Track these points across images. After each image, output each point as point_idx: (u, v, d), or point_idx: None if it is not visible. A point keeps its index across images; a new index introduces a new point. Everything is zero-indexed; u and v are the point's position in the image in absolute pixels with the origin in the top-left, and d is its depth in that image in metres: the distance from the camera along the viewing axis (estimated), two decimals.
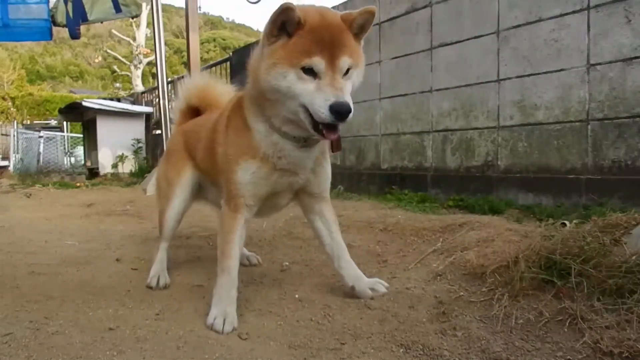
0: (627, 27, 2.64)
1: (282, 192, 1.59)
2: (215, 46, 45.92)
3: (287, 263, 2.16)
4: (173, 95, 8.43)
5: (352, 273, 1.70)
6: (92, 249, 2.51)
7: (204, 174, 1.90)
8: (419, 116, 3.89)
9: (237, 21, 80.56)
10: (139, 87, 16.89)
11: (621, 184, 2.67)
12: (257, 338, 1.37)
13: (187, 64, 6.18)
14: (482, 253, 1.80)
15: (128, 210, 3.98)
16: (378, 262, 2.07)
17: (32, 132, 12.25)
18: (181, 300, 1.69)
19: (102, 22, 6.92)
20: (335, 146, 1.45)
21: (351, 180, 4.51)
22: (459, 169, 3.59)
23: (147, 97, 11.32)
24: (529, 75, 3.11)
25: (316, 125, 1.29)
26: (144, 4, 7.38)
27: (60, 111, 9.36)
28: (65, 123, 13.25)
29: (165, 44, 6.75)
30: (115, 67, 23.06)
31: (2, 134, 12.84)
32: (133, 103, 10.63)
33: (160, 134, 5.98)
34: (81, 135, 10.56)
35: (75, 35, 6.17)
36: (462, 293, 1.59)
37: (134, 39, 17.76)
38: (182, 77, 8.13)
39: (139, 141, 7.77)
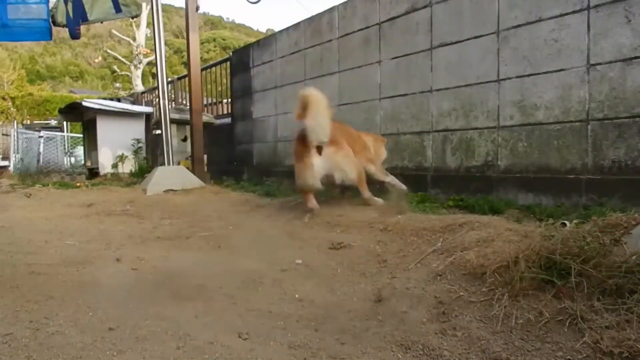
0: (627, 27, 2.64)
1: None
2: (215, 46, 45.92)
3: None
4: (173, 95, 8.44)
5: None
6: (92, 249, 2.51)
7: None
8: (419, 116, 3.89)
9: (237, 21, 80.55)
10: (139, 87, 16.88)
11: (621, 184, 2.67)
12: (257, 338, 1.37)
13: (187, 64, 6.18)
14: (482, 253, 1.80)
15: (128, 210, 3.98)
16: (378, 262, 2.07)
17: (32, 132, 12.25)
18: (181, 300, 1.69)
19: (102, 22, 6.92)
20: None
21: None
22: (459, 169, 3.59)
23: (147, 97, 11.33)
24: (529, 75, 3.11)
25: None
26: (144, 4, 7.39)
27: (60, 111, 9.34)
28: (65, 123, 13.23)
29: (165, 44, 6.75)
30: (115, 67, 23.05)
31: (3, 134, 12.84)
32: (133, 103, 10.63)
33: (160, 134, 5.98)
34: (81, 135, 10.55)
35: (75, 35, 6.17)
36: (462, 293, 1.59)
37: (134, 39, 17.74)
38: (182, 77, 8.10)
39: (139, 141, 7.75)
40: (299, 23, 5.39)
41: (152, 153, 7.88)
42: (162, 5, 5.94)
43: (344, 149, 3.16)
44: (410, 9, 3.93)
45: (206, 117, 6.61)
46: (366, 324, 1.47)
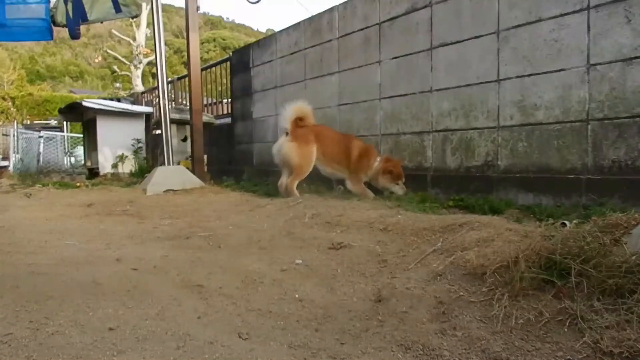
0: (627, 27, 2.64)
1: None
2: (215, 46, 45.92)
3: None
4: (173, 95, 8.44)
5: None
6: (92, 249, 2.51)
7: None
8: (419, 116, 3.89)
9: (237, 21, 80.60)
10: (139, 87, 16.89)
11: (621, 184, 2.67)
12: (257, 338, 1.37)
13: (187, 64, 6.18)
14: (482, 253, 1.80)
15: (128, 210, 3.98)
16: (378, 262, 2.07)
17: (32, 132, 12.25)
18: (181, 300, 1.69)
19: (102, 22, 6.92)
20: None
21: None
22: (459, 169, 3.59)
23: (147, 97, 11.33)
24: (529, 75, 3.11)
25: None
26: (144, 4, 7.38)
27: (60, 111, 9.34)
28: (65, 123, 13.24)
29: (165, 44, 6.75)
30: (115, 67, 23.06)
31: (3, 134, 12.84)
32: (133, 103, 10.63)
33: (160, 134, 5.98)
34: (81, 135, 10.55)
35: (75, 35, 6.17)
36: (462, 293, 1.59)
37: (134, 39, 17.75)
38: (182, 77, 8.10)
39: (139, 141, 7.75)
40: (299, 23, 5.39)
41: (152, 153, 7.87)
42: (162, 5, 5.94)
43: (301, 145, 3.98)
44: (410, 9, 3.93)
45: (206, 117, 6.61)
46: (366, 324, 1.47)
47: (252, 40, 9.76)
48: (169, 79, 8.51)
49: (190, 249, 2.50)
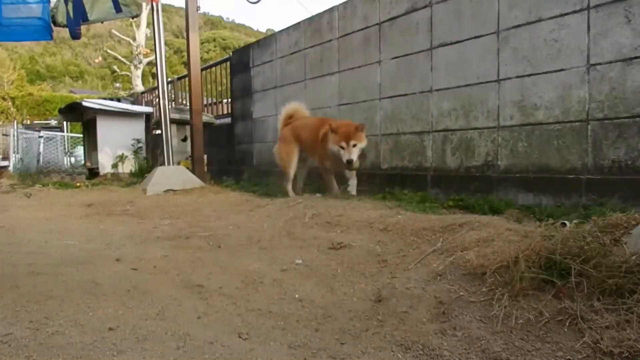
0: (627, 27, 2.64)
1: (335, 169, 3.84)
2: (215, 46, 45.92)
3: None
4: (173, 95, 8.44)
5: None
6: (92, 249, 2.51)
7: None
8: (419, 116, 3.89)
9: (237, 21, 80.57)
10: (139, 87, 16.88)
11: (621, 184, 2.67)
12: (257, 338, 1.37)
13: (187, 64, 6.18)
14: (482, 253, 1.80)
15: (128, 210, 3.98)
16: (378, 262, 2.07)
17: (32, 132, 12.25)
18: (181, 300, 1.69)
19: (102, 22, 6.92)
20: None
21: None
22: (459, 169, 3.59)
23: (147, 97, 11.32)
24: (529, 75, 3.11)
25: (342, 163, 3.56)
26: (144, 4, 7.37)
27: (60, 111, 9.34)
28: (65, 123, 13.24)
29: (165, 44, 6.75)
30: (115, 67, 23.05)
31: (3, 134, 12.83)
32: (133, 103, 10.63)
33: (160, 134, 5.98)
34: (81, 135, 10.55)
35: (75, 35, 6.16)
36: (462, 293, 1.59)
37: (134, 39, 17.75)
38: (182, 77, 8.07)
39: (139, 141, 7.75)
40: (299, 23, 5.39)
41: (152, 153, 7.88)
42: (162, 5, 5.94)
43: (280, 145, 4.36)
44: (410, 9, 3.93)
45: (206, 117, 6.61)
46: (366, 324, 1.47)
47: (252, 40, 9.76)
48: (169, 79, 8.51)
49: (190, 249, 2.50)
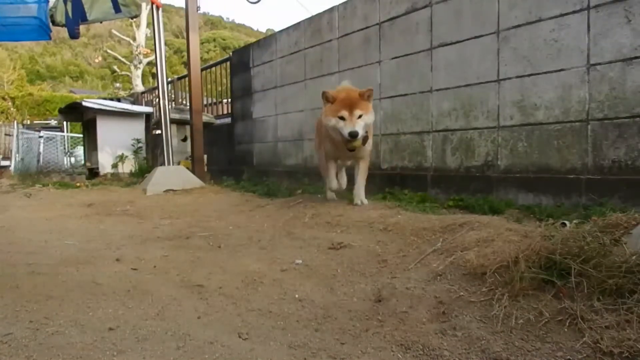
0: (627, 27, 2.64)
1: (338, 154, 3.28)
2: (215, 46, 45.92)
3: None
4: (173, 95, 8.44)
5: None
6: (92, 249, 2.51)
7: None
8: (419, 116, 3.89)
9: (237, 21, 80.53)
10: (139, 87, 16.88)
11: (621, 184, 2.67)
12: (257, 338, 1.37)
13: (187, 64, 6.18)
14: (482, 253, 1.80)
15: (128, 210, 3.98)
16: (378, 262, 2.07)
17: (32, 132, 12.25)
18: (181, 300, 1.69)
19: (101, 22, 6.91)
20: (363, 142, 2.98)
21: (351, 181, 4.50)
22: (459, 169, 3.59)
23: (147, 97, 11.33)
24: (529, 75, 3.11)
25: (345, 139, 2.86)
26: (143, 4, 7.37)
27: (60, 111, 9.34)
28: (65, 123, 13.24)
29: (165, 44, 6.75)
30: (115, 67, 23.04)
31: (5, 134, 12.84)
32: (133, 103, 10.63)
33: (160, 134, 5.98)
34: (81, 135, 10.55)
35: (74, 35, 6.16)
36: (462, 293, 1.59)
37: (134, 39, 17.74)
38: (182, 77, 7.99)
39: (139, 141, 7.75)
40: (299, 23, 5.39)
41: (152, 153, 7.88)
42: (162, 5, 5.94)
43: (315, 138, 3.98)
44: (410, 9, 3.93)
45: (206, 117, 6.61)
46: (366, 324, 1.47)
47: (252, 40, 9.76)
48: (169, 79, 8.51)
49: (190, 249, 2.50)
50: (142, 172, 7.04)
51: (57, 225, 3.30)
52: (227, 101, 7.30)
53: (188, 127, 6.36)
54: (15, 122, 12.87)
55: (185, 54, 6.82)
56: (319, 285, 1.84)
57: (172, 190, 5.05)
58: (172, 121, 6.03)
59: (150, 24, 8.81)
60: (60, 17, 6.02)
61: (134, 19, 11.32)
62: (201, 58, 6.37)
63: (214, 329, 1.43)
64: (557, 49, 2.96)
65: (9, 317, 1.49)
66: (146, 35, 17.33)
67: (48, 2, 5.93)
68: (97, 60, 43.51)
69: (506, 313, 1.39)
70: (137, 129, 8.04)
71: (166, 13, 42.27)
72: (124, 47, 30.98)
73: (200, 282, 1.89)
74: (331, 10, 4.85)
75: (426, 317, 1.48)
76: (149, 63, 17.63)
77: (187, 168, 5.86)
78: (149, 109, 8.60)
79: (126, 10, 6.07)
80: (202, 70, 7.25)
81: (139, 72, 17.71)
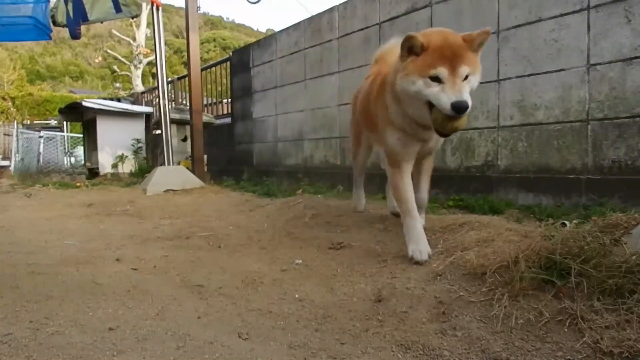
0: (627, 27, 2.64)
1: (416, 149, 2.07)
2: (215, 46, 45.91)
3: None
4: (173, 95, 8.44)
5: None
6: (92, 249, 2.51)
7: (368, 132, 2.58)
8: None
9: (237, 21, 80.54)
10: (139, 87, 16.89)
11: (621, 184, 2.67)
12: (257, 338, 1.37)
13: (187, 64, 6.18)
14: (482, 253, 1.80)
15: (128, 210, 3.98)
16: (378, 262, 2.07)
17: (32, 132, 12.26)
18: (181, 300, 1.69)
19: (102, 22, 6.92)
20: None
21: (351, 180, 4.50)
22: (459, 169, 3.59)
23: (147, 97, 11.33)
24: (529, 75, 3.11)
25: (436, 119, 1.76)
26: (144, 4, 7.38)
27: (60, 111, 9.34)
28: (65, 123, 13.25)
29: (165, 44, 6.76)
30: (115, 67, 23.05)
31: (5, 134, 12.85)
32: (133, 103, 10.63)
33: (160, 134, 5.98)
34: (81, 135, 10.56)
35: (75, 35, 6.16)
36: (462, 293, 1.59)
37: (134, 39, 17.75)
38: (182, 77, 7.92)
39: (139, 141, 7.76)
40: (299, 23, 5.39)
41: (152, 153, 7.88)
42: (162, 5, 5.94)
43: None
44: (410, 9, 3.93)
45: (206, 117, 6.61)
46: (366, 324, 1.47)
47: (252, 40, 9.76)
48: (169, 79, 8.51)
49: (190, 249, 2.50)
50: (142, 172, 7.04)
51: (57, 225, 3.30)
52: (227, 101, 7.30)
53: (188, 127, 6.36)
54: (15, 122, 12.89)
55: (185, 54, 6.82)
56: (319, 285, 1.83)
57: (172, 190, 5.05)
58: (172, 121, 6.03)
59: (150, 24, 8.82)
60: (61, 18, 6.02)
61: (134, 19, 11.32)
62: (201, 58, 6.37)
63: (214, 329, 1.43)
64: (557, 49, 2.96)
65: (9, 317, 1.49)
66: (146, 35, 17.33)
67: (48, 2, 5.93)
68: (97, 60, 43.52)
69: (506, 313, 1.39)
70: (137, 129, 8.05)
71: (166, 13, 42.28)
72: (124, 47, 30.98)
73: (200, 282, 1.89)
74: (331, 10, 4.85)
75: (426, 317, 1.48)
76: (149, 63, 17.64)
77: (187, 168, 5.86)
78: (149, 109, 8.60)
79: (127, 10, 6.07)
80: (202, 70, 7.25)
81: (139, 72, 17.72)
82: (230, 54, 7.34)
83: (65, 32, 6.20)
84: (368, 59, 4.36)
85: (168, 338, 1.35)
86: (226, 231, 2.91)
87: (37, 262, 2.19)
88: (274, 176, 5.72)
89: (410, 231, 2.01)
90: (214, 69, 7.73)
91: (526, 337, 1.28)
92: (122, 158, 7.58)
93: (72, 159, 11.59)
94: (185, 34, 6.08)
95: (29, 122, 17.51)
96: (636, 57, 2.61)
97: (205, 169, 6.17)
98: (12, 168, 10.05)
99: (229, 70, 7.04)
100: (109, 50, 24.27)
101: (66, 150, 12.02)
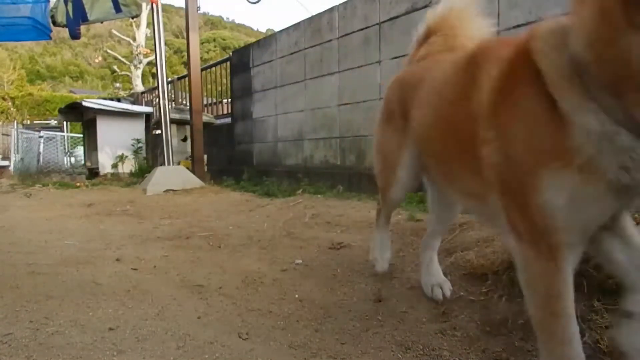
0: None
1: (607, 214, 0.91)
2: (215, 46, 45.92)
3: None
4: (173, 95, 8.44)
5: None
6: (92, 249, 2.51)
7: (429, 156, 1.33)
8: None
9: (237, 21, 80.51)
10: (139, 87, 16.89)
11: None
12: (257, 338, 1.37)
13: (187, 64, 6.18)
14: (482, 253, 1.80)
15: (128, 210, 3.98)
16: None
17: (32, 132, 12.26)
18: (181, 300, 1.69)
19: (102, 22, 6.92)
20: None
21: (351, 180, 4.51)
22: None
23: (147, 97, 11.33)
24: None
25: None
26: (144, 4, 7.38)
27: (60, 111, 9.36)
28: (65, 123, 13.25)
29: (165, 44, 6.76)
30: (115, 67, 23.06)
31: (3, 134, 12.86)
32: (133, 103, 10.63)
33: (160, 134, 5.98)
34: (81, 135, 10.56)
35: (75, 35, 6.17)
36: (462, 293, 1.59)
37: (134, 39, 17.75)
38: (182, 77, 7.82)
39: (139, 141, 7.77)
40: (299, 23, 5.39)
41: (152, 153, 7.88)
42: (162, 5, 5.95)
43: (378, 124, 1.82)
44: (411, 8, 3.93)
45: (206, 117, 6.62)
46: (366, 324, 1.47)
47: (252, 40, 9.77)
48: (169, 79, 8.51)
49: (190, 249, 2.50)
50: (142, 172, 7.05)
51: (57, 225, 3.30)
52: (227, 101, 7.31)
53: (188, 127, 6.36)
54: (15, 122, 12.89)
55: (185, 54, 6.83)
56: (319, 285, 1.84)
57: (172, 190, 5.05)
58: (172, 121, 6.03)
59: (150, 24, 8.82)
60: (61, 18, 6.02)
61: (134, 19, 11.32)
62: (201, 58, 6.37)
63: (214, 329, 1.43)
64: None
65: (9, 317, 1.49)
66: (146, 35, 17.33)
67: (48, 2, 5.93)
68: (97, 60, 43.54)
69: (506, 313, 1.39)
70: (137, 129, 8.05)
71: (166, 13, 42.29)
72: (124, 47, 30.98)
73: (200, 282, 1.89)
74: (331, 10, 4.85)
75: (426, 317, 1.48)
76: (149, 63, 17.63)
77: (187, 168, 5.87)
78: (149, 109, 8.60)
79: (127, 10, 6.07)
80: (202, 70, 7.25)
81: (139, 72, 17.72)
82: (230, 54, 7.35)
83: (65, 32, 6.21)
84: (368, 59, 4.36)
85: (168, 338, 1.35)
86: (226, 231, 2.91)
87: (37, 262, 2.19)
88: (274, 176, 5.72)
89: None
90: (214, 69, 7.73)
91: (526, 337, 1.28)
92: (122, 158, 7.58)
93: (72, 159, 11.60)
94: (185, 34, 6.08)
95: (28, 122, 17.52)
96: None
97: (205, 169, 6.17)
98: (11, 168, 10.05)
99: (229, 70, 7.04)
100: (109, 50, 24.29)
101: (66, 150, 12.02)
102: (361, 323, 1.47)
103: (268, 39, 6.07)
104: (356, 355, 1.26)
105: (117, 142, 7.72)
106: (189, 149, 6.35)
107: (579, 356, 0.89)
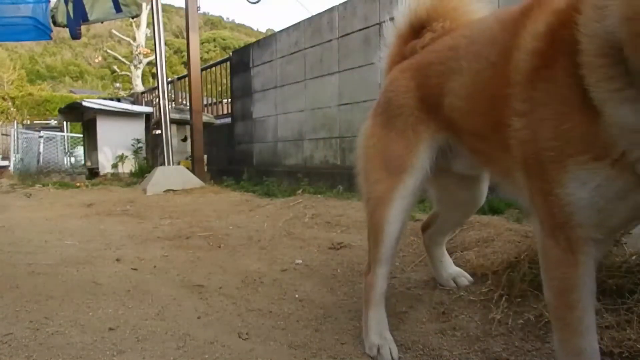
0: None
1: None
2: (215, 46, 45.91)
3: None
4: (173, 95, 8.44)
5: None
6: (92, 249, 2.51)
7: (462, 136, 1.16)
8: None
9: (237, 21, 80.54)
10: (139, 87, 16.90)
11: None
12: (257, 338, 1.37)
13: (187, 64, 6.19)
14: (482, 253, 1.80)
15: (128, 210, 3.98)
16: None
17: (32, 132, 12.26)
18: (181, 300, 1.69)
19: (102, 22, 6.93)
20: None
21: (351, 180, 4.50)
22: None
23: (147, 97, 11.33)
24: None
25: None
26: (144, 4, 7.38)
27: (60, 111, 9.37)
28: (65, 123, 13.25)
29: (165, 44, 6.76)
30: (115, 67, 23.08)
31: (3, 134, 12.86)
32: (133, 103, 10.63)
33: (160, 134, 5.98)
34: (81, 135, 10.57)
35: (75, 35, 6.18)
36: (462, 293, 1.59)
37: (134, 39, 17.77)
38: (182, 77, 7.86)
39: (139, 141, 7.77)
40: (299, 23, 5.39)
41: (152, 153, 7.88)
42: (162, 5, 5.95)
43: (369, 127, 1.61)
44: None
45: (206, 117, 6.62)
46: None
47: (252, 40, 9.77)
48: (169, 79, 8.51)
49: (190, 249, 2.50)
50: (142, 172, 7.05)
51: (57, 225, 3.30)
52: (227, 101, 7.31)
53: (188, 127, 6.36)
54: (15, 122, 12.90)
55: (185, 54, 6.83)
56: (319, 285, 1.84)
57: (172, 190, 5.05)
58: (172, 121, 6.03)
59: (150, 24, 8.82)
60: (61, 18, 6.03)
61: (134, 19, 11.33)
62: (201, 58, 6.38)
63: (214, 329, 1.43)
64: None
65: (9, 317, 1.49)
66: (146, 35, 17.34)
67: (48, 2, 5.94)
68: (97, 60, 43.56)
69: (506, 313, 1.39)
70: (137, 129, 8.05)
71: (166, 13, 42.30)
72: (124, 47, 30.99)
73: (200, 282, 1.89)
74: (331, 10, 4.85)
75: (426, 317, 1.48)
76: (149, 63, 17.65)
77: (187, 168, 5.87)
78: (149, 109, 8.61)
79: (127, 10, 6.08)
80: (202, 70, 7.25)
81: (139, 72, 17.74)
82: (230, 54, 7.35)
83: (65, 32, 6.22)
84: (368, 59, 4.36)
85: (168, 338, 1.35)
86: (226, 231, 2.91)
87: (37, 262, 2.19)
88: (274, 176, 5.72)
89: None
90: (214, 69, 7.74)
91: (526, 337, 1.28)
92: (122, 158, 7.59)
93: (72, 159, 11.60)
94: (185, 34, 6.08)
95: (28, 122, 17.52)
96: None
97: (205, 169, 6.17)
98: (11, 168, 10.05)
99: (229, 70, 7.04)
100: (109, 50, 24.30)
101: (66, 150, 12.02)
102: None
103: (268, 39, 6.07)
104: (356, 355, 1.26)
105: (117, 142, 7.73)
106: (189, 149, 6.35)
107: (593, 349, 0.86)
